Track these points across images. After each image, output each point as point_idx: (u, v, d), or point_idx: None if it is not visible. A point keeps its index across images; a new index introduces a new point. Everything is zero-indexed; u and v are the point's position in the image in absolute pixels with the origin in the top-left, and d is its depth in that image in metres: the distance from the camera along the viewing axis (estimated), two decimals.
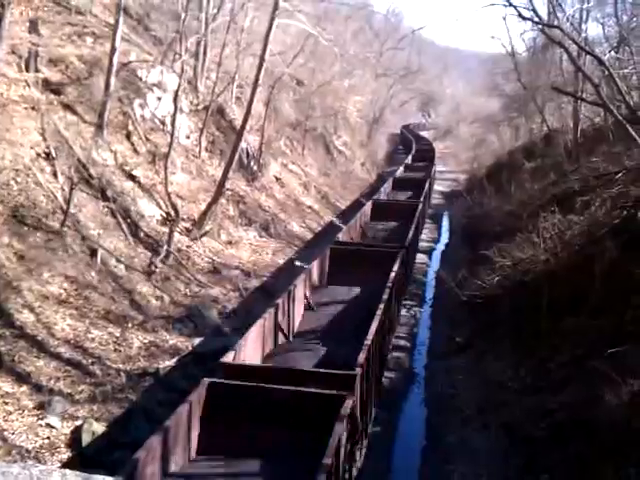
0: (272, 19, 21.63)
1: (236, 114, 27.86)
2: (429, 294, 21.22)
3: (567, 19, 20.93)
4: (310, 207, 30.04)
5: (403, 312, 18.27)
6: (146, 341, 14.10)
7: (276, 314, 12.80)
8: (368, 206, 25.68)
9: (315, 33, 26.14)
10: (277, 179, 29.60)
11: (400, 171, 40.06)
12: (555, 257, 15.64)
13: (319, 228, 27.86)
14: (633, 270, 11.76)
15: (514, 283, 16.01)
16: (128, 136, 20.50)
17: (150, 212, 19.09)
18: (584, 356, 11.63)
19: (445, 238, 30.77)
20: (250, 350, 11.11)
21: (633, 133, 14.74)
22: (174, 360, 13.68)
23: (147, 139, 21.24)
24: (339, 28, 47.00)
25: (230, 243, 21.49)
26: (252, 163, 27.09)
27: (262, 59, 21.99)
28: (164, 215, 19.19)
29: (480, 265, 18.28)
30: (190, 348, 14.37)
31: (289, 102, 37.54)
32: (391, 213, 25.31)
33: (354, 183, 40.23)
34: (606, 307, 12.63)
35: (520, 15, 18.10)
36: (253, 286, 18.96)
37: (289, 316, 13.69)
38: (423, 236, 28.71)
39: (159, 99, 22.71)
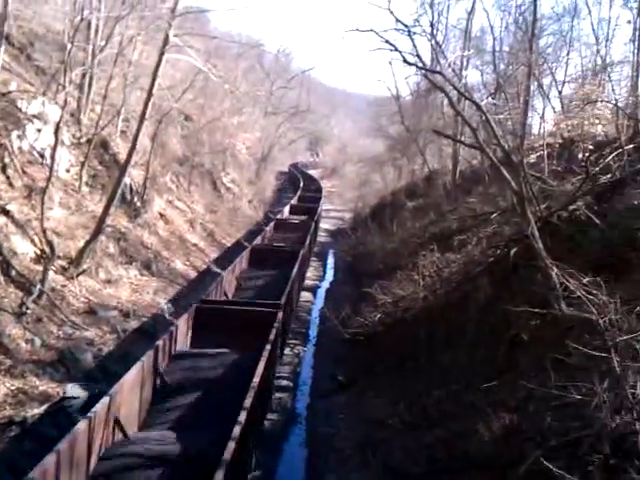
0: (162, 53, 21.36)
1: (120, 148, 27.07)
2: (313, 332, 21.22)
3: (449, 65, 21.93)
4: (195, 245, 29.48)
5: (287, 351, 18.15)
6: (13, 388, 13.13)
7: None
8: (185, 318, 15.22)
9: (205, 69, 25.99)
10: (161, 215, 28.90)
11: (267, 233, 30.95)
12: (434, 294, 16.11)
13: (204, 266, 27.34)
14: (505, 307, 12.25)
15: (395, 320, 16.33)
16: (3, 169, 19.38)
17: (24, 249, 17.99)
18: (460, 391, 11.93)
19: (330, 276, 31.04)
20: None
21: (507, 175, 15.47)
22: (44, 407, 12.82)
23: (24, 172, 20.14)
24: (230, 65, 47.25)
25: (109, 282, 20.59)
26: (135, 199, 26.31)
27: (150, 93, 21.61)
28: (38, 252, 18.17)
29: (363, 302, 18.53)
30: (62, 394, 13.53)
31: (177, 137, 37.05)
32: (224, 324, 15.21)
33: (241, 220, 40.00)
34: (481, 342, 13.09)
35: (405, 60, 18.76)
36: (132, 327, 18.22)
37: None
38: (308, 274, 28.82)
39: (39, 131, 21.67)
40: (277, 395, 15.10)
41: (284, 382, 16.08)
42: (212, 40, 36.00)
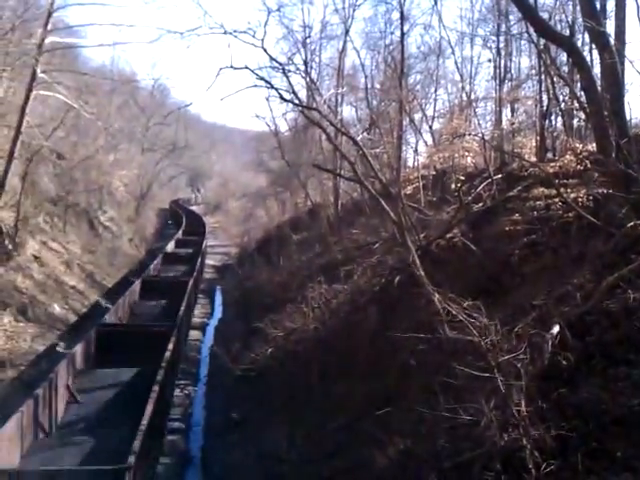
0: (29, 90, 20.66)
1: None
2: (204, 371, 20.76)
3: (324, 102, 22.50)
4: (74, 287, 28.16)
5: (177, 392, 17.64)
6: None
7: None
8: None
9: (76, 106, 25.24)
10: (36, 258, 27.43)
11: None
12: (323, 325, 16.28)
13: (84, 309, 26.15)
14: (393, 334, 12.56)
15: (287, 353, 16.33)
16: None
17: None
18: (355, 420, 12.06)
19: (219, 312, 30.58)
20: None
21: (386, 207, 16.04)
22: None
23: None
24: (103, 101, 45.97)
25: None
26: (7, 241, 24.87)
27: (18, 131, 20.82)
28: None
29: (254, 337, 18.42)
30: None
31: (49, 176, 35.46)
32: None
33: (121, 260, 38.71)
34: (372, 370, 13.33)
35: (281, 97, 19.20)
36: (9, 377, 17.08)
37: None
38: (196, 312, 28.29)
39: None
40: (169, 438, 14.62)
41: (176, 424, 15.59)
42: (83, 76, 34.98)
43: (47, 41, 21.71)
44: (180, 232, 48.65)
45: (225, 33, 15.44)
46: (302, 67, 25.02)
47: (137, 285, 25.66)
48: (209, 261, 42.88)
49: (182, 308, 20.36)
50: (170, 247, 40.75)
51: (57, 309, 24.48)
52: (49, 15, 22.08)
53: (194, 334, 24.76)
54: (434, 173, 23.70)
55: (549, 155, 20.02)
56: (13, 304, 21.89)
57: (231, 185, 78.65)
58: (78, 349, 16.05)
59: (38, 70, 20.51)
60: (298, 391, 14.50)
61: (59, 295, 25.90)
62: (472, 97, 27.02)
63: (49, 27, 22.17)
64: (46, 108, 34.11)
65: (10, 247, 25.01)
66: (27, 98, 20.80)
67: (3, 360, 17.98)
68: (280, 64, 18.41)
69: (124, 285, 28.62)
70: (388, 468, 9.69)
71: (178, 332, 17.84)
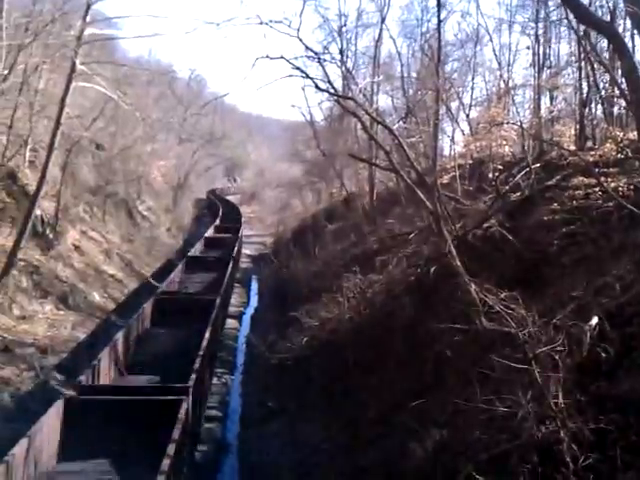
0: (69, 82, 20.94)
1: (29, 179, 26.15)
2: (240, 360, 20.99)
3: (360, 91, 22.38)
4: (112, 276, 28.69)
5: (214, 380, 17.87)
6: None
7: None
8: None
9: (115, 97, 25.55)
10: (76, 247, 28.01)
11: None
12: (359, 315, 16.27)
13: (122, 297, 26.62)
14: (429, 324, 12.51)
15: (322, 342, 16.38)
16: None
17: None
18: (391, 410, 12.05)
19: (255, 302, 30.87)
20: None
21: (422, 196, 15.91)
22: None
23: None
24: (141, 92, 46.47)
25: (24, 318, 19.75)
26: (48, 231, 25.43)
27: (58, 122, 21.10)
28: None
29: (290, 327, 18.51)
30: None
31: (88, 166, 36.10)
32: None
33: (159, 249, 39.25)
34: (408, 361, 13.30)
35: (317, 86, 19.15)
36: (51, 364, 17.51)
37: None
38: (232, 300, 28.55)
39: None
40: (207, 425, 14.82)
41: (213, 412, 15.81)
42: (121, 67, 35.38)
43: (86, 33, 21.95)
44: (213, 226, 46.57)
45: (261, 23, 15.41)
46: (338, 56, 24.92)
47: (148, 308, 19.96)
48: (245, 250, 43.04)
49: (201, 353, 14.38)
50: (198, 248, 35.94)
51: (97, 297, 24.98)
52: (88, 7, 22.31)
53: (230, 322, 25.00)
54: (471, 162, 23.43)
55: (589, 143, 19.61)
56: (54, 292, 22.40)
57: (267, 175, 78.99)
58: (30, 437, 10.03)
59: (77, 62, 20.76)
60: (334, 380, 14.55)
61: (98, 284, 26.41)
62: (510, 85, 26.59)
63: (88, 19, 22.44)
64: (85, 99, 34.68)
65: (51, 236, 25.55)
66: (67, 89, 21.07)
67: (45, 347, 18.44)
68: (316, 53, 18.33)
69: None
70: (424, 459, 9.66)
71: (194, 399, 12.47)
